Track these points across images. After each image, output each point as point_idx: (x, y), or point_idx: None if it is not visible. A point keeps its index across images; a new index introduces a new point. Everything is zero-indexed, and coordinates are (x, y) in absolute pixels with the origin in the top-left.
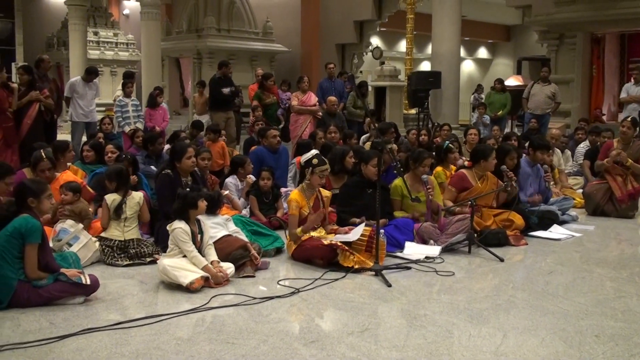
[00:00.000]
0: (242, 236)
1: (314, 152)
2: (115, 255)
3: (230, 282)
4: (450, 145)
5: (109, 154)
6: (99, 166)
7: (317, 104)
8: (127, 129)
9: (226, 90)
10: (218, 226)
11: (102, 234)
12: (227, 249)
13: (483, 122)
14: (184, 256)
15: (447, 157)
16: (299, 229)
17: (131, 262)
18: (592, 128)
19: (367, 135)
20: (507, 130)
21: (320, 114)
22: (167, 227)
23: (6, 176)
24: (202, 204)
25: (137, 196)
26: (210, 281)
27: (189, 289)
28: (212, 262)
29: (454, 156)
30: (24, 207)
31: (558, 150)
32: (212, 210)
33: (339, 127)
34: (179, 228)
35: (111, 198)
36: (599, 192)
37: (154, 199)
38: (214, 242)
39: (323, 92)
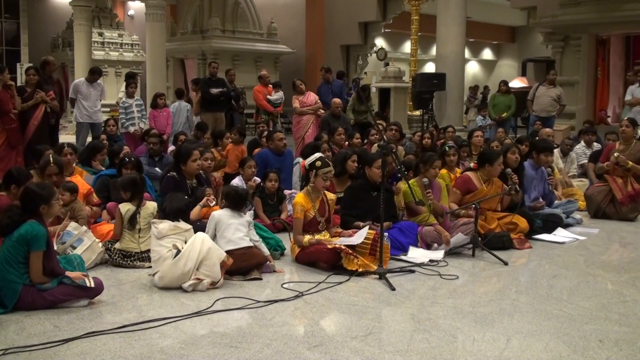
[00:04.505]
0: (263, 248)
1: (317, 154)
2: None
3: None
4: (446, 148)
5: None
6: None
7: (318, 101)
8: (131, 129)
9: (215, 90)
10: (243, 229)
11: (117, 246)
12: (243, 262)
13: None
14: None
15: (444, 160)
16: (306, 239)
17: (142, 263)
18: (585, 128)
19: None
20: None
21: (322, 111)
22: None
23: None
24: None
25: (151, 206)
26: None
27: (186, 290)
28: None
29: (449, 159)
30: (34, 213)
31: (556, 150)
32: (238, 207)
33: (345, 129)
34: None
35: (125, 208)
36: (600, 194)
37: (159, 201)
38: (235, 249)
39: (321, 96)
